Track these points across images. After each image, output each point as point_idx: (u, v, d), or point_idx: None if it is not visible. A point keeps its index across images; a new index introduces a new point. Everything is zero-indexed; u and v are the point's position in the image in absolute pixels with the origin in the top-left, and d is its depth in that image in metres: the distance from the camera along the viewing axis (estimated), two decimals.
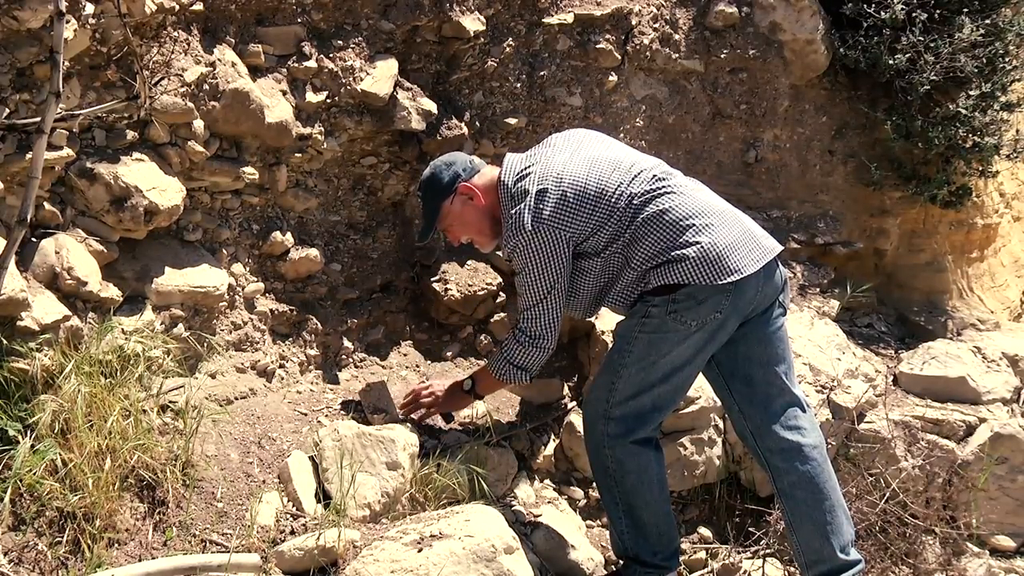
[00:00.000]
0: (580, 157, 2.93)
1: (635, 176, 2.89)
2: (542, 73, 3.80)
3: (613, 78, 3.94)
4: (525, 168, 2.95)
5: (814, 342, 4.03)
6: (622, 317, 3.05)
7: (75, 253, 2.74)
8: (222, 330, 3.20)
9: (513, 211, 2.89)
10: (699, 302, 2.80)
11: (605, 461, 2.95)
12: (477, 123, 3.72)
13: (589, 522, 3.41)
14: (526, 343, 3.01)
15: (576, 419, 3.48)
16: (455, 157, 3.10)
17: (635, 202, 2.85)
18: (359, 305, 3.61)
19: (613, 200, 2.86)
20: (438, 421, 3.34)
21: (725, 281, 2.78)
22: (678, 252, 2.80)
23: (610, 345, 3.51)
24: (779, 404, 2.97)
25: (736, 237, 2.85)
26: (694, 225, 2.82)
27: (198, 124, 3.01)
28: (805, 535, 2.94)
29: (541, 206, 2.84)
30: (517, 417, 3.52)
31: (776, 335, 2.99)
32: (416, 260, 3.75)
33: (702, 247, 2.79)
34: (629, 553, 3.01)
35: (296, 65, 3.27)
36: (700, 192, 2.96)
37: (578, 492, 3.44)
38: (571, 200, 2.84)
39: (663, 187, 2.88)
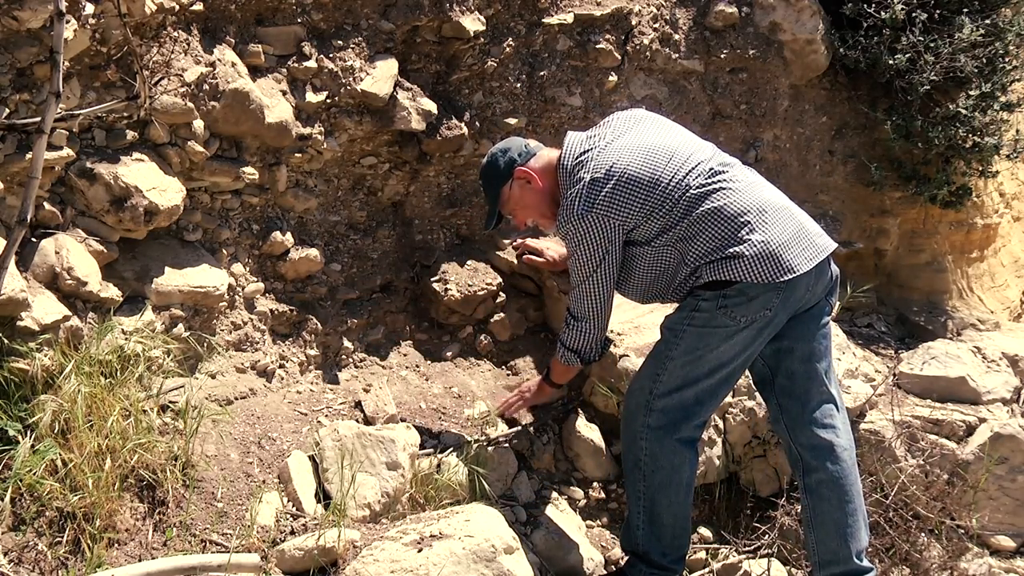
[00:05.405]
0: (636, 144, 2.93)
1: (692, 168, 2.89)
2: (542, 73, 3.80)
3: (613, 78, 3.94)
4: (583, 152, 2.96)
5: None
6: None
7: (75, 253, 2.74)
8: (222, 330, 3.20)
9: (568, 193, 2.91)
10: (750, 299, 2.79)
11: (638, 453, 2.95)
12: (477, 123, 3.72)
13: (589, 522, 3.41)
14: (572, 325, 3.05)
15: (577, 419, 3.48)
16: (510, 143, 3.13)
17: (690, 194, 2.85)
18: (359, 305, 3.61)
19: (668, 190, 2.85)
20: (525, 416, 3.47)
21: (778, 280, 2.78)
22: (733, 249, 2.79)
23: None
24: (816, 401, 2.97)
25: (791, 234, 2.84)
26: (749, 222, 2.81)
27: (198, 124, 3.01)
28: (823, 534, 2.93)
29: (593, 194, 2.85)
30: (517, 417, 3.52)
31: (821, 332, 2.99)
32: (416, 260, 3.75)
33: (756, 244, 2.78)
34: (639, 550, 3.00)
35: (296, 65, 3.27)
36: (757, 187, 2.93)
37: (578, 492, 3.44)
38: (623, 189, 2.85)
39: (720, 181, 2.87)
